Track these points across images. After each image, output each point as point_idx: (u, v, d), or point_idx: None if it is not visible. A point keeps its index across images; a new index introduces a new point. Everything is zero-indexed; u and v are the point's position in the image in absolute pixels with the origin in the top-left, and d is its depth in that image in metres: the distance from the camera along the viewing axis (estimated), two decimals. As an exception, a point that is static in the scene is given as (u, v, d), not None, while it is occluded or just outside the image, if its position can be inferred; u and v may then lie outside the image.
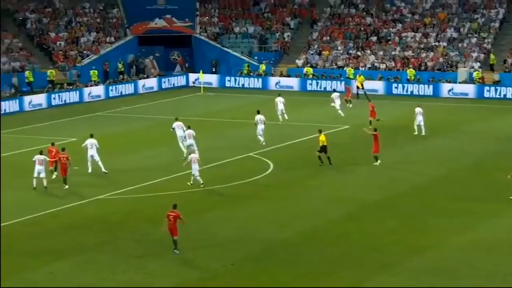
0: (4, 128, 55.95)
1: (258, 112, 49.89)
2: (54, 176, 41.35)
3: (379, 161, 43.81)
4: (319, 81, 73.75)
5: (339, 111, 58.78)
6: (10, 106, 63.46)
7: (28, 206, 37.26)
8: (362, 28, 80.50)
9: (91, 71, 73.43)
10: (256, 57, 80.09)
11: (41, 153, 40.56)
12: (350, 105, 62.69)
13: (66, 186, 40.24)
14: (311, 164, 44.47)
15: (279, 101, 57.08)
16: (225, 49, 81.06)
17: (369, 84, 71.41)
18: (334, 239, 32.75)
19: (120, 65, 77.17)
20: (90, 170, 42.76)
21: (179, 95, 72.66)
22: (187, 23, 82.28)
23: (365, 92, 67.80)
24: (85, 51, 77.60)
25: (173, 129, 46.85)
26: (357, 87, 68.65)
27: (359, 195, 38.96)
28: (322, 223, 34.73)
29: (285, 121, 55.89)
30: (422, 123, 51.40)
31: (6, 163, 45.02)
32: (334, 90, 63.53)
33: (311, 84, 74.03)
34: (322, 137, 43.86)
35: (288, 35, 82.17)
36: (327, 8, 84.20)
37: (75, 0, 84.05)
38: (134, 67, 79.10)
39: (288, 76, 75.86)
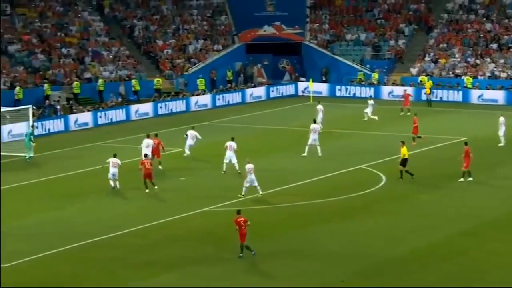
0: (111, 137, 57.15)
1: (314, 121, 51.19)
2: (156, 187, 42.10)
3: (470, 178, 42.85)
4: (435, 91, 72.80)
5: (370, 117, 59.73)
6: (117, 115, 64.67)
7: (134, 217, 37.87)
8: (482, 35, 79.23)
9: (198, 80, 74.28)
10: (368, 65, 79.70)
11: (114, 156, 42.31)
12: (406, 113, 62.50)
13: (147, 190, 41.59)
14: (425, 177, 44.00)
15: (320, 109, 58.71)
16: (336, 57, 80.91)
17: (489, 94, 70.19)
18: (451, 257, 32.27)
19: (229, 73, 77.84)
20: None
21: (288, 104, 72.81)
22: (296, 30, 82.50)
23: (430, 100, 67.52)
24: (192, 59, 78.59)
25: (186, 135, 50.07)
26: (426, 93, 68.58)
27: (476, 210, 38.31)
28: (438, 240, 34.27)
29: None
30: (501, 133, 51.81)
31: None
32: (371, 97, 64.07)
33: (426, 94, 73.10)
34: (404, 150, 43.33)
35: (403, 42, 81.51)
36: (444, 14, 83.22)
37: (182, 7, 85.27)
38: (241, 76, 79.70)
39: (402, 85, 75.18)
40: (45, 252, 32.75)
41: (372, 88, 75.29)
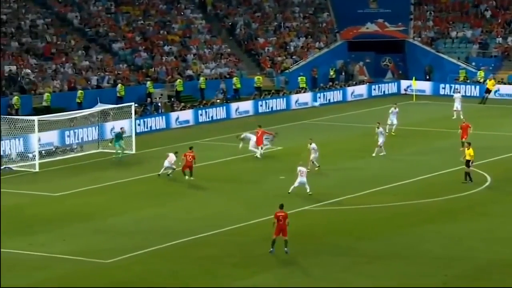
0: (212, 135, 57.50)
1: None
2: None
3: None
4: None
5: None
6: (218, 113, 64.99)
7: (232, 215, 38.00)
8: None
9: (299, 78, 74.18)
10: (474, 63, 78.34)
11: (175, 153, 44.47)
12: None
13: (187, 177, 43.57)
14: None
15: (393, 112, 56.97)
16: (440, 54, 79.81)
17: None
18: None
19: (331, 72, 77.56)
20: None
21: (390, 103, 72.02)
22: (400, 27, 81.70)
23: (485, 98, 66.79)
24: (293, 57, 78.58)
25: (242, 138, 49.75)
26: (487, 91, 66.97)
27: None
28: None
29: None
30: None
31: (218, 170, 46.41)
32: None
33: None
34: (469, 151, 42.43)
35: (511, 40, 79.88)
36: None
37: (284, 4, 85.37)
38: (343, 74, 79.32)
39: (510, 83, 73.70)
40: (144, 250, 33.10)
41: (478, 87, 73.96)
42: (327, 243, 33.99)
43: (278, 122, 62.48)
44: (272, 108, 68.41)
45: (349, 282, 29.50)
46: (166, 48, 74.26)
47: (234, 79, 72.17)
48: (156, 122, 60.84)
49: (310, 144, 45.68)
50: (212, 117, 64.41)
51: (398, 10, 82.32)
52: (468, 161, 42.33)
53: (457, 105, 61.63)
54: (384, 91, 76.54)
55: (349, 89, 74.64)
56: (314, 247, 33.43)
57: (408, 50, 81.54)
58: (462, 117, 58.57)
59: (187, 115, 63.18)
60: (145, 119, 60.03)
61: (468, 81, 75.75)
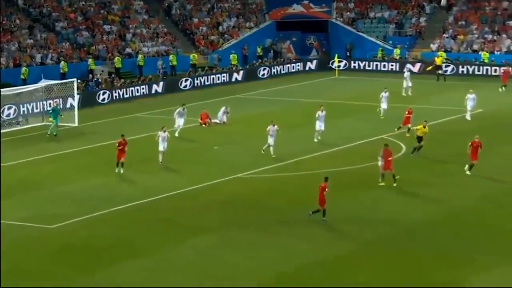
0: (150, 109, 56.72)
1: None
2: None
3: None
4: (453, 65, 71.79)
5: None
6: (156, 88, 64.18)
7: (174, 183, 37.37)
8: (499, 12, 77.92)
9: (231, 55, 73.62)
10: (390, 42, 78.61)
11: (164, 131, 41.15)
12: (502, 89, 60.90)
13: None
14: (446, 147, 43.36)
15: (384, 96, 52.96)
16: (360, 33, 79.89)
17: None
18: (473, 221, 31.62)
19: (259, 49, 77.17)
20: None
21: (315, 78, 72.07)
22: (323, 8, 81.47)
23: (438, 74, 67.46)
24: (225, 36, 77.92)
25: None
26: (436, 67, 68.48)
27: (493, 182, 37.52)
28: (460, 206, 33.61)
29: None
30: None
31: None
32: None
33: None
34: (421, 128, 41.57)
35: (424, 20, 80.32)
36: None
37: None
38: (271, 52, 78.92)
39: (421, 60, 74.22)
40: (88, 215, 32.42)
41: (395, 64, 74.34)
42: (263, 208, 33.62)
43: (215, 96, 61.98)
44: (205, 83, 67.86)
45: (280, 244, 29.12)
46: (106, 27, 72.95)
47: (171, 57, 71.25)
48: (97, 97, 59.89)
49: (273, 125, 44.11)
50: (150, 92, 63.59)
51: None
52: (419, 137, 41.41)
53: (408, 83, 60.80)
54: (309, 68, 76.40)
55: (277, 66, 74.28)
56: (253, 213, 32.99)
57: (331, 29, 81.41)
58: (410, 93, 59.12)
59: (127, 90, 62.25)
60: (87, 94, 59.03)
61: (386, 58, 75.98)
